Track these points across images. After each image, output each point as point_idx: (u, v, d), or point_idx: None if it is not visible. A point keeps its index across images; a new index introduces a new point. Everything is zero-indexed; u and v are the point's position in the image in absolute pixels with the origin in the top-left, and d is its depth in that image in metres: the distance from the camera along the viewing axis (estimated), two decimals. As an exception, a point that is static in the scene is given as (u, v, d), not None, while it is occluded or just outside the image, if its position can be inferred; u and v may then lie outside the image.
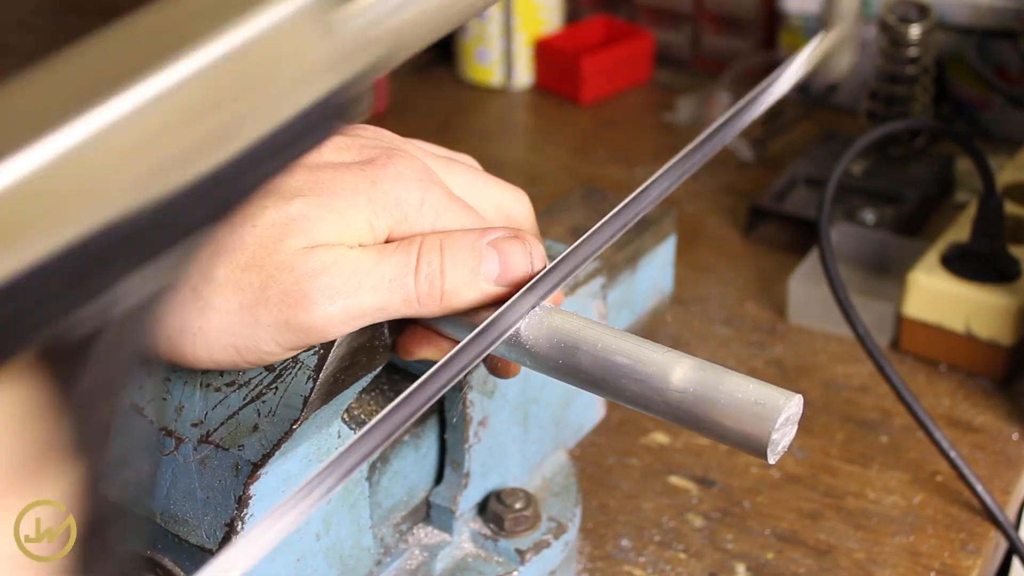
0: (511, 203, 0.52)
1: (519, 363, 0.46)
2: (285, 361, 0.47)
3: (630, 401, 0.43)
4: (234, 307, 0.44)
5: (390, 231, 0.46)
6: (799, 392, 0.41)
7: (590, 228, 0.47)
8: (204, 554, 0.47)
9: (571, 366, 0.44)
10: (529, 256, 0.47)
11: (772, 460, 0.40)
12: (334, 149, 0.48)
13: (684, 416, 0.41)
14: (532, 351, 0.45)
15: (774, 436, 0.40)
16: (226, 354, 0.45)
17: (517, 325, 0.45)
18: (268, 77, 0.27)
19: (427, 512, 0.59)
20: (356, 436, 0.38)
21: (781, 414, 0.40)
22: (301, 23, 0.27)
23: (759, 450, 0.40)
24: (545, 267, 0.47)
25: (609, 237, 0.48)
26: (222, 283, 0.44)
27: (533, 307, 0.46)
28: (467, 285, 0.46)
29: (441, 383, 0.41)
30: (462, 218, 0.48)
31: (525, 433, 0.61)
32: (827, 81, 0.55)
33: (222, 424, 0.47)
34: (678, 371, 0.42)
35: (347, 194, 0.45)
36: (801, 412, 0.41)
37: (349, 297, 0.44)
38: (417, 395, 0.40)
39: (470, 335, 0.43)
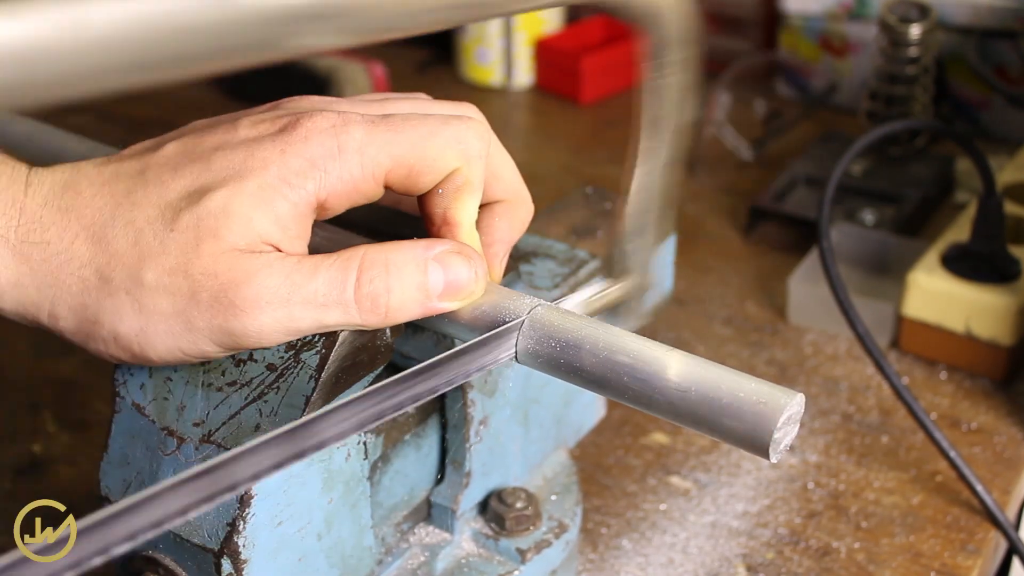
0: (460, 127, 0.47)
1: (522, 363, 0.46)
2: (287, 360, 0.47)
3: (632, 400, 0.43)
4: (168, 311, 0.43)
5: (319, 194, 0.44)
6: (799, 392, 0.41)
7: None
8: (206, 554, 0.47)
9: (573, 365, 0.44)
10: (473, 271, 0.46)
11: (774, 459, 0.40)
12: (250, 124, 0.45)
13: (686, 415, 0.41)
14: (533, 350, 0.45)
15: (776, 435, 0.40)
16: (172, 355, 0.44)
17: (519, 324, 0.45)
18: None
19: (428, 511, 0.59)
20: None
21: (783, 413, 0.40)
22: None
23: (761, 449, 0.40)
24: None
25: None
26: (152, 287, 0.43)
27: (533, 308, 0.46)
28: (413, 302, 0.45)
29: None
30: (391, 144, 0.45)
31: (526, 432, 0.61)
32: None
33: (224, 424, 0.47)
34: (680, 369, 0.42)
35: (256, 173, 0.43)
36: (803, 411, 0.41)
37: (279, 309, 0.43)
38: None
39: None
